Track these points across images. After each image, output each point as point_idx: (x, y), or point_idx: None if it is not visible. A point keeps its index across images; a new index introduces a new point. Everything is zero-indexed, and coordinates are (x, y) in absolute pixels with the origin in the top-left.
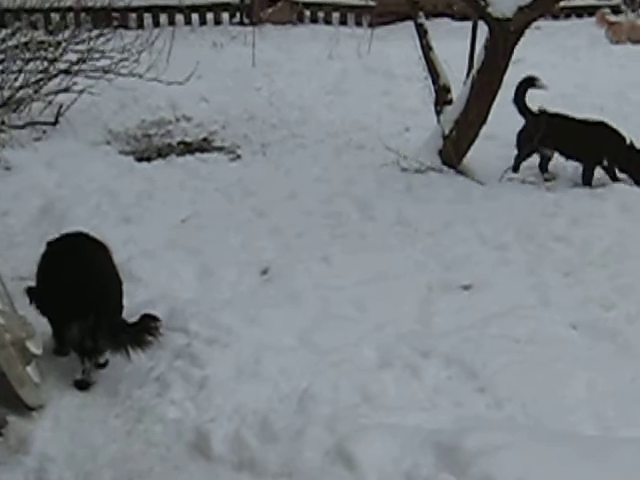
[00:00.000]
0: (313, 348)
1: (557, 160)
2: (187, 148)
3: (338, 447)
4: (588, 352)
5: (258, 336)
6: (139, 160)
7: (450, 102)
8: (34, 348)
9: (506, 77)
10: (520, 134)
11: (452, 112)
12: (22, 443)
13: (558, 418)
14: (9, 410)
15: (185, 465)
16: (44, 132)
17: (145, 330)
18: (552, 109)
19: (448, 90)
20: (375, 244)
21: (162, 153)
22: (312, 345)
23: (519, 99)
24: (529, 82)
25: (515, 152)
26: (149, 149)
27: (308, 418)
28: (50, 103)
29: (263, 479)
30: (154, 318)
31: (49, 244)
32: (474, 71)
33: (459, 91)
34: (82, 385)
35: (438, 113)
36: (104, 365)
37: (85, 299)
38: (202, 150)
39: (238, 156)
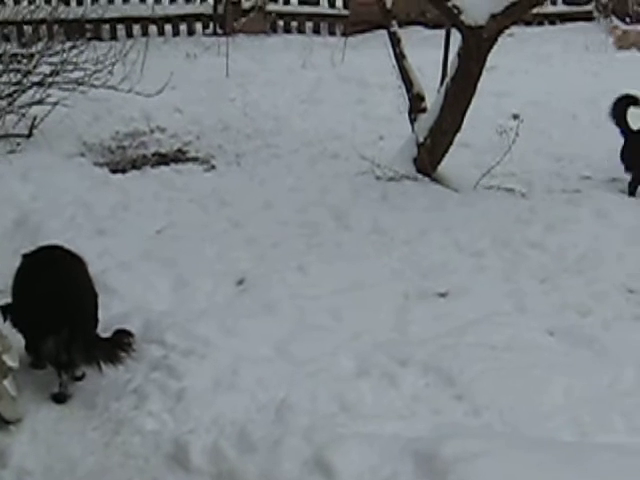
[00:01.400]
0: (290, 358)
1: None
2: (162, 159)
3: (316, 457)
4: (565, 358)
5: (235, 347)
6: (113, 172)
7: (424, 110)
8: (10, 361)
9: (480, 84)
10: (624, 155)
11: (426, 120)
12: (0, 457)
13: (535, 424)
14: None
15: (163, 477)
16: (18, 144)
17: (118, 346)
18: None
19: (422, 98)
20: (351, 253)
21: (136, 164)
22: (289, 355)
23: (619, 117)
24: (629, 100)
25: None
26: (123, 160)
27: (286, 428)
28: (24, 115)
29: None
30: (127, 333)
31: (24, 257)
32: (448, 79)
33: (433, 99)
34: (59, 398)
35: (412, 121)
36: (81, 378)
37: (60, 312)
38: (177, 161)
39: (213, 166)
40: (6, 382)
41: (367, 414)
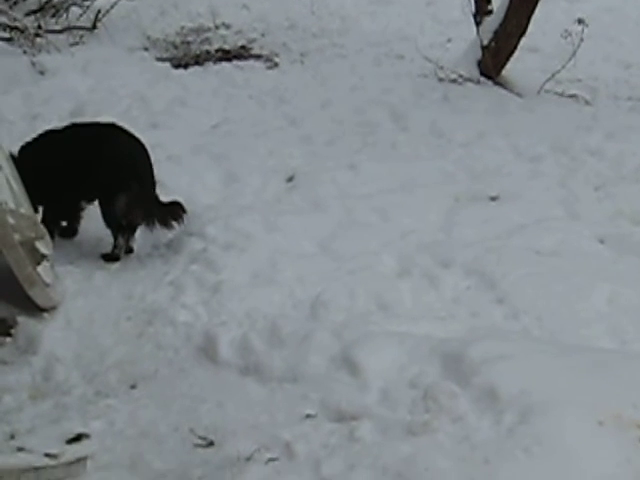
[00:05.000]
0: (332, 255)
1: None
2: (225, 55)
3: (344, 353)
4: (613, 266)
5: (277, 242)
6: (175, 67)
7: (490, 13)
8: (44, 248)
9: None
10: None
11: (491, 23)
12: (31, 343)
13: (574, 331)
14: (19, 310)
15: (191, 368)
16: (81, 37)
17: (171, 214)
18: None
19: (488, 0)
20: (405, 153)
21: (199, 60)
22: (331, 252)
23: None
24: None
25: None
26: (186, 56)
27: (318, 324)
28: (88, 8)
29: (267, 384)
30: (182, 207)
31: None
32: None
33: (499, 1)
34: (112, 257)
35: (477, 24)
36: (132, 250)
37: (131, 170)
38: (240, 57)
39: (275, 64)
40: (40, 269)
41: (404, 314)
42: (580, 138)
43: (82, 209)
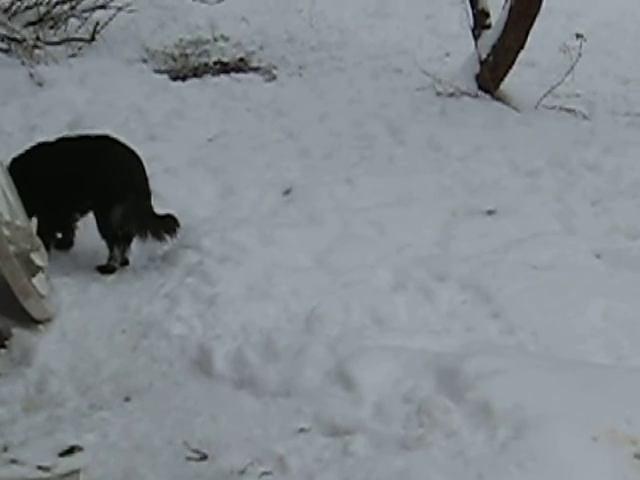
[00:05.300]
0: (328, 268)
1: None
2: (223, 68)
3: (338, 367)
4: (609, 280)
5: (272, 255)
6: (174, 79)
7: (489, 27)
8: (39, 260)
9: (551, 3)
10: None
11: (490, 37)
12: (25, 355)
13: (570, 346)
14: (14, 322)
15: (185, 381)
16: (79, 49)
17: (164, 227)
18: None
19: (487, 14)
20: (402, 167)
21: (197, 72)
22: (327, 265)
23: None
24: None
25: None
26: (185, 68)
27: (312, 338)
28: (87, 20)
29: (262, 398)
30: (174, 219)
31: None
32: None
33: (498, 15)
34: (108, 269)
35: (476, 38)
36: (127, 262)
37: (127, 181)
38: (238, 70)
39: (274, 77)
40: (35, 280)
41: (399, 328)
42: (577, 153)
43: (76, 220)
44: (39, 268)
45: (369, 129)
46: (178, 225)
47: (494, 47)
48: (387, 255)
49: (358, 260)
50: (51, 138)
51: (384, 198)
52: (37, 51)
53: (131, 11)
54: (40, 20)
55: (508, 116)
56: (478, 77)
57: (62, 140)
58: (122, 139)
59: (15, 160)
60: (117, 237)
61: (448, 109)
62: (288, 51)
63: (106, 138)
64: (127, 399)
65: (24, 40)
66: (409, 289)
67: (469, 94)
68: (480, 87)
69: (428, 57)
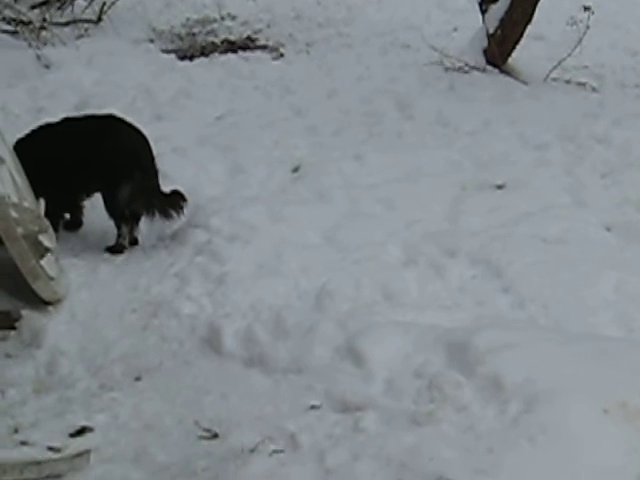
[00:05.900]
0: (337, 245)
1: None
2: (230, 46)
3: (348, 343)
4: (620, 253)
5: (282, 233)
6: (181, 58)
7: (496, 1)
8: (47, 242)
9: None
10: None
11: (497, 11)
12: (35, 337)
13: (580, 319)
14: (24, 304)
15: (195, 360)
16: (86, 30)
17: (171, 204)
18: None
19: None
20: (411, 143)
21: (205, 51)
22: (336, 242)
23: None
24: None
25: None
26: (192, 47)
27: (323, 315)
28: (93, 1)
29: (272, 375)
30: (182, 195)
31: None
32: None
33: None
34: (116, 249)
35: (483, 12)
36: (136, 242)
37: (135, 160)
38: (245, 48)
39: (281, 55)
40: (44, 262)
41: (409, 303)
42: (587, 126)
43: (82, 200)
44: (47, 250)
45: (377, 105)
46: (185, 200)
47: (502, 21)
48: (397, 231)
49: (368, 236)
50: (56, 118)
51: (393, 174)
52: (44, 33)
53: None
54: (47, 2)
55: (516, 90)
56: (486, 51)
57: (67, 120)
58: (127, 118)
59: (20, 140)
60: (125, 216)
61: (456, 84)
62: (295, 28)
63: (111, 117)
64: (137, 379)
65: (31, 22)
66: (419, 264)
67: (477, 68)
68: (488, 61)
69: (436, 32)
